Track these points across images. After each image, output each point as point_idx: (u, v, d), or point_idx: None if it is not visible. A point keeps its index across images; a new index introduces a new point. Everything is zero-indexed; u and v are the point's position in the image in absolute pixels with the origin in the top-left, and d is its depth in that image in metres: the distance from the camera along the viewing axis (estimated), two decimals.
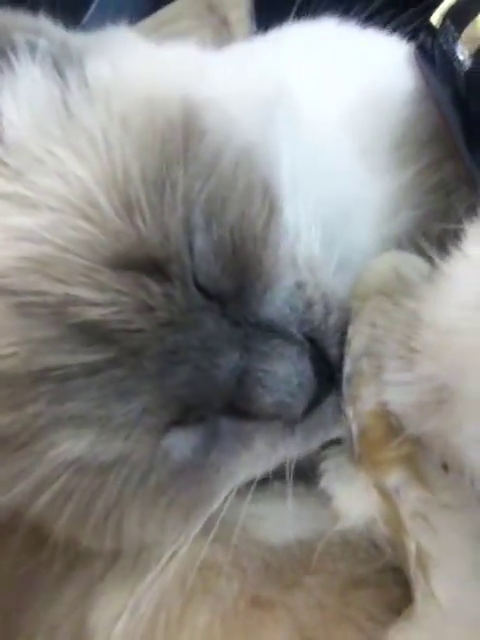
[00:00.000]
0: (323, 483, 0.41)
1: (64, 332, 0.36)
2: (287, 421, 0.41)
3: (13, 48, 0.41)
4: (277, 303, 0.41)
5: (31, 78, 0.40)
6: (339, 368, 0.40)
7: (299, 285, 0.42)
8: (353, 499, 0.40)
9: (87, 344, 0.36)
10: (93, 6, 0.88)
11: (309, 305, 0.41)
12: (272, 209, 0.41)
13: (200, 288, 0.39)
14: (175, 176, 0.38)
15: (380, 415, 0.38)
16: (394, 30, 0.57)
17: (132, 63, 0.44)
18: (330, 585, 0.41)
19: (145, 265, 0.37)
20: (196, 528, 0.41)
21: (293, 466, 0.42)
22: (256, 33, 0.72)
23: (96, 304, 0.36)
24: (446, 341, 0.32)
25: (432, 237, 0.41)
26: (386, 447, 0.38)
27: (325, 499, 0.41)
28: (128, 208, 0.37)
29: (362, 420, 0.39)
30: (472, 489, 0.34)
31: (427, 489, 0.37)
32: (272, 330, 0.40)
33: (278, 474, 0.43)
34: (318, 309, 0.41)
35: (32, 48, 0.41)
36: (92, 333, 0.36)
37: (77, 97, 0.40)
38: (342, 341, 0.41)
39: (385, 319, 0.37)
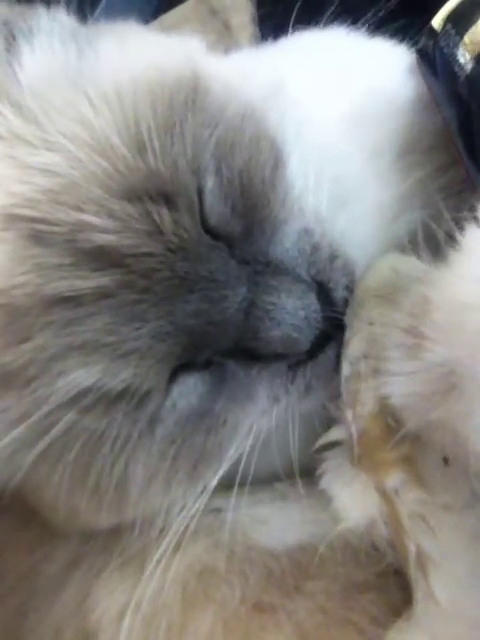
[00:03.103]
0: (323, 484, 0.43)
1: (76, 258, 0.38)
2: (291, 363, 0.43)
3: (35, 21, 0.46)
4: (285, 244, 0.44)
5: (49, 42, 0.45)
6: (343, 312, 0.43)
7: (306, 231, 0.45)
8: (353, 500, 0.42)
9: (99, 269, 0.38)
10: (98, 11, 0.92)
11: (316, 248, 0.45)
12: (278, 159, 0.45)
13: (208, 231, 0.41)
14: (184, 122, 0.42)
15: (378, 416, 0.39)
16: (403, 39, 0.60)
17: (140, 45, 0.48)
18: (331, 589, 0.42)
19: (155, 197, 0.40)
20: (201, 491, 0.42)
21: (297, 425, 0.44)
22: (259, 38, 0.75)
23: (108, 231, 0.38)
24: (460, 319, 0.32)
25: (432, 239, 0.43)
26: (385, 448, 0.39)
27: (325, 501, 0.43)
28: (140, 147, 0.40)
29: (361, 421, 0.41)
30: (473, 483, 0.35)
31: (426, 490, 0.38)
32: (280, 269, 0.43)
33: (278, 476, 0.45)
34: (324, 253, 0.45)
35: (51, 23, 0.46)
36: (104, 258, 0.39)
37: (90, 62, 0.44)
38: (347, 286, 0.44)
39: (384, 315, 0.39)
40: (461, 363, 0.32)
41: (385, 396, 0.38)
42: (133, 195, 0.39)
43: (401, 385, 0.36)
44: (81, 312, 0.38)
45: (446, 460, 0.37)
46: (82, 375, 0.38)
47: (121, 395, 0.39)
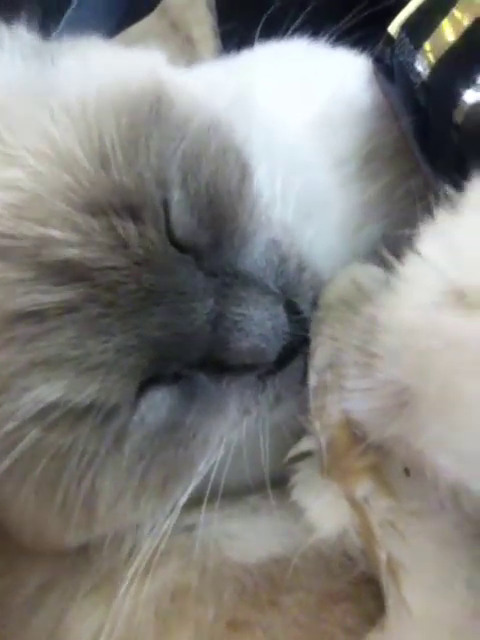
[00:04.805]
0: (295, 496, 0.44)
1: (39, 273, 0.39)
2: (260, 373, 0.44)
3: None
4: (253, 256, 0.45)
5: (11, 59, 0.46)
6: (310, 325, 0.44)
7: (274, 242, 0.46)
8: (325, 511, 0.43)
9: (63, 283, 0.39)
10: (61, 26, 0.94)
11: (284, 260, 0.46)
12: (245, 170, 0.46)
13: (175, 243, 0.42)
14: (149, 135, 0.43)
15: (345, 426, 0.40)
16: (363, 49, 0.62)
17: (103, 60, 0.49)
18: (306, 602, 0.43)
19: (120, 210, 0.40)
20: (171, 509, 0.43)
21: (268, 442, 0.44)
22: (221, 50, 0.77)
23: (71, 244, 0.39)
24: (405, 342, 0.34)
25: (393, 245, 0.45)
26: (352, 457, 0.40)
27: (297, 513, 0.44)
28: (104, 160, 0.41)
29: (329, 432, 0.42)
30: (436, 493, 0.36)
31: (394, 497, 0.39)
32: (248, 281, 0.44)
33: (249, 489, 0.46)
34: (292, 264, 0.46)
35: (12, 41, 0.47)
36: (67, 272, 0.39)
37: (53, 78, 0.45)
38: (314, 300, 0.45)
39: (345, 330, 0.40)
40: (410, 383, 0.33)
41: (346, 411, 0.39)
42: (97, 208, 0.40)
43: (358, 401, 0.37)
44: (45, 327, 0.38)
45: (407, 471, 0.38)
46: (46, 391, 0.38)
47: (87, 410, 0.39)
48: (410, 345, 0.33)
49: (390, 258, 0.38)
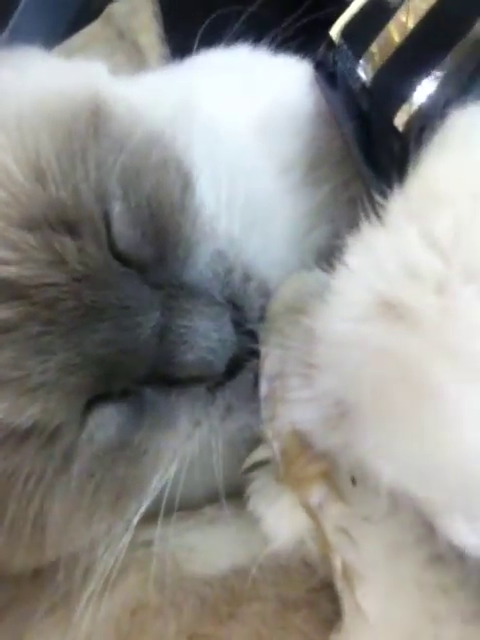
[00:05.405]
0: (251, 505, 0.44)
1: None
2: (209, 386, 0.44)
3: None
4: (199, 267, 0.45)
5: None
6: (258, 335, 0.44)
7: (220, 253, 0.46)
8: (281, 519, 0.43)
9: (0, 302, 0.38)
10: (5, 33, 0.93)
11: (229, 271, 0.46)
12: (187, 180, 0.46)
13: (118, 256, 0.42)
14: (86, 149, 0.42)
15: (294, 434, 0.41)
16: (305, 55, 0.63)
17: (40, 72, 0.49)
18: (265, 611, 0.43)
19: (58, 226, 0.40)
20: (126, 527, 0.42)
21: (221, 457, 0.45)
22: (169, 57, 0.77)
23: (7, 262, 0.38)
24: (339, 355, 0.34)
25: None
26: (305, 464, 0.41)
27: (254, 522, 0.44)
28: (40, 175, 0.40)
29: (281, 440, 0.42)
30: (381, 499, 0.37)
31: (346, 503, 0.40)
32: (194, 292, 0.44)
33: (205, 501, 0.46)
34: (238, 274, 0.46)
35: None
36: (5, 291, 0.38)
37: None
38: (262, 309, 0.45)
39: (288, 341, 0.41)
40: (346, 394, 0.34)
41: (291, 421, 0.39)
42: (33, 224, 0.39)
43: (301, 412, 0.38)
44: None
45: (353, 480, 0.38)
46: None
47: (30, 432, 0.39)
48: (343, 357, 0.33)
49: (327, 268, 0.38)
